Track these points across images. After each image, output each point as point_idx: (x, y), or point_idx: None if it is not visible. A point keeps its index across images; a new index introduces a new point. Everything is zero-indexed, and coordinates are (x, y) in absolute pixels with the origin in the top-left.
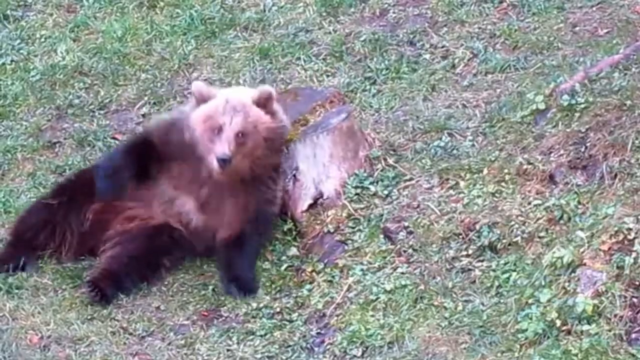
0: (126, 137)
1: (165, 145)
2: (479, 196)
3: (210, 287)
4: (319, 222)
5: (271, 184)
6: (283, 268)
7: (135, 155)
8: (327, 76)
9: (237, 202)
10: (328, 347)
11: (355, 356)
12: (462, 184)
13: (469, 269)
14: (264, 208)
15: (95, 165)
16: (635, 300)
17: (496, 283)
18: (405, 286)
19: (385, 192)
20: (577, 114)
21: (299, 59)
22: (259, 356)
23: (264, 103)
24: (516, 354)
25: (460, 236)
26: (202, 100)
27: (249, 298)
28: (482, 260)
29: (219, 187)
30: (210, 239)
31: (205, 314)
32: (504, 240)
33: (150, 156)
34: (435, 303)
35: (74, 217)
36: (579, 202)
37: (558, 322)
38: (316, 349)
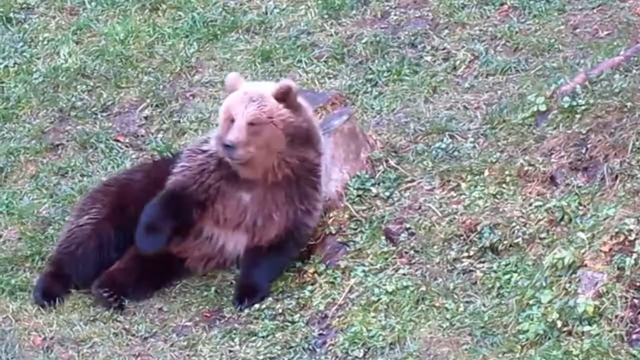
0: (129, 139)
1: (203, 192)
2: (480, 197)
3: (213, 289)
4: (320, 223)
5: (310, 190)
6: (285, 270)
7: (174, 207)
8: (329, 78)
9: (279, 217)
10: (330, 348)
11: (356, 357)
12: (463, 185)
13: (470, 270)
14: (302, 221)
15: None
16: (636, 301)
17: (497, 284)
18: (406, 287)
19: (387, 193)
20: (577, 116)
21: (300, 61)
22: (261, 357)
23: (282, 97)
24: (517, 355)
25: (462, 237)
26: (231, 91)
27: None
28: (483, 262)
29: (262, 206)
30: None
31: (208, 315)
32: (505, 242)
33: (188, 204)
34: (437, 304)
35: (116, 252)
36: (579, 204)
37: (559, 323)
38: (318, 350)
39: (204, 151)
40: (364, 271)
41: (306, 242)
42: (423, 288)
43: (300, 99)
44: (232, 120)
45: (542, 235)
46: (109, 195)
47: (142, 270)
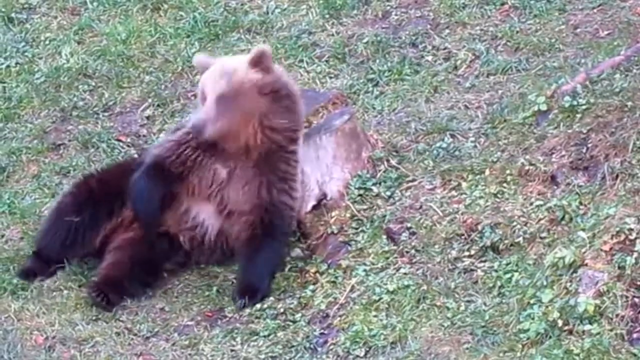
0: (130, 139)
1: (180, 165)
2: (481, 197)
3: (214, 288)
4: (322, 223)
5: (285, 167)
6: (287, 269)
7: (157, 175)
8: (330, 78)
9: (251, 190)
10: (331, 347)
11: (358, 356)
12: (464, 184)
13: (471, 270)
14: (279, 199)
15: (130, 202)
16: (636, 300)
17: (498, 283)
18: (407, 286)
19: (388, 193)
20: (578, 115)
21: (301, 61)
22: (262, 356)
23: (257, 61)
24: (518, 354)
25: (463, 237)
26: (203, 71)
27: (250, 304)
28: (484, 261)
29: (238, 179)
30: (223, 247)
31: (209, 314)
32: (506, 241)
33: (168, 177)
34: (438, 303)
35: (93, 231)
36: (580, 203)
37: (560, 322)
38: (319, 349)
39: (184, 127)
40: (365, 270)
41: (290, 224)
42: (424, 287)
43: (276, 67)
44: (204, 98)
45: (543, 235)
46: (84, 184)
47: (132, 257)
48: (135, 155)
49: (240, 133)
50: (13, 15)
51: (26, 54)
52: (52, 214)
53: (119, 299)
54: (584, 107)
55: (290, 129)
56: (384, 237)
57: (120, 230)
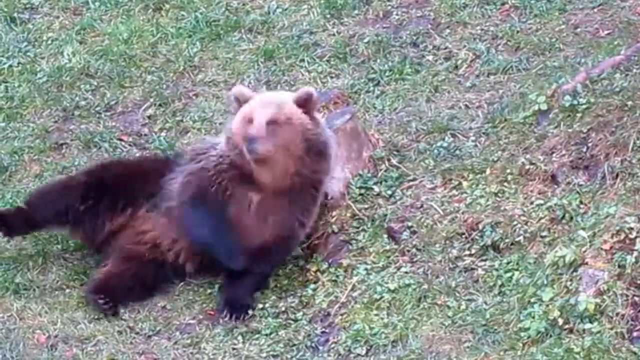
0: (132, 138)
1: (221, 194)
2: (481, 196)
3: (216, 287)
4: (323, 222)
5: (310, 203)
6: (288, 268)
7: (205, 204)
8: (331, 77)
9: (274, 222)
10: (332, 345)
11: (359, 355)
12: (464, 184)
13: (472, 268)
14: (296, 232)
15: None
16: (636, 298)
17: (499, 282)
18: (408, 285)
19: (389, 192)
20: (578, 115)
21: (303, 60)
22: (264, 355)
23: (303, 103)
24: (519, 353)
25: (463, 236)
26: (242, 102)
27: (239, 322)
28: (485, 260)
29: (262, 206)
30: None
31: (212, 313)
32: (507, 240)
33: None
34: (439, 302)
35: (91, 224)
36: (580, 202)
37: (560, 321)
38: (321, 347)
39: (216, 151)
40: (366, 269)
41: (294, 246)
42: (425, 286)
43: (317, 113)
44: (250, 121)
45: (544, 234)
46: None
47: (134, 274)
48: (154, 154)
49: (277, 165)
50: (15, 15)
51: (28, 53)
52: (59, 184)
53: (113, 307)
54: (584, 106)
55: (319, 177)
56: (385, 236)
57: (128, 237)
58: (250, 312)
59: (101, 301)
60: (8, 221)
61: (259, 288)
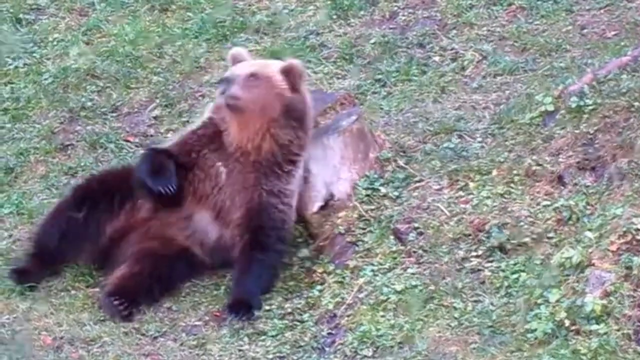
0: (138, 139)
1: (186, 154)
2: (488, 197)
3: (222, 288)
4: (329, 223)
5: (283, 176)
6: (294, 269)
7: (167, 155)
8: (338, 78)
9: (245, 196)
10: (339, 347)
11: (366, 356)
12: (471, 185)
13: (479, 270)
14: (269, 200)
15: (136, 173)
16: None
17: (505, 283)
18: (415, 287)
19: (396, 193)
20: (585, 116)
21: (309, 61)
22: (270, 356)
23: (287, 72)
24: (525, 354)
25: (470, 237)
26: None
27: (245, 322)
28: (491, 261)
29: (234, 183)
30: (225, 252)
31: (218, 314)
32: (513, 241)
33: (174, 161)
34: (445, 303)
35: (94, 230)
36: (587, 203)
37: (567, 322)
38: (327, 349)
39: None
40: (372, 270)
41: (283, 239)
42: (432, 287)
43: (305, 87)
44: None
45: (550, 235)
46: (83, 184)
47: (150, 273)
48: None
49: (252, 122)
50: (21, 16)
51: (34, 54)
52: (51, 212)
53: (132, 309)
54: (591, 107)
55: (292, 148)
56: (392, 237)
57: (134, 232)
58: (256, 312)
59: (116, 302)
60: (27, 272)
61: (267, 287)
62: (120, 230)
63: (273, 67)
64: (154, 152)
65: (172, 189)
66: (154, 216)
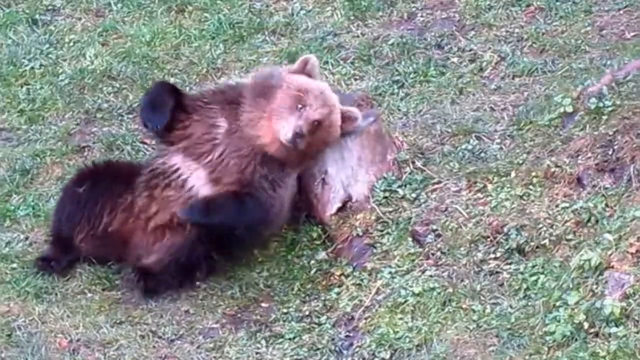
0: (154, 141)
1: (191, 99)
2: (506, 199)
3: (238, 289)
4: (347, 225)
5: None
6: (312, 272)
7: (171, 89)
8: (355, 80)
9: (239, 164)
10: (356, 350)
11: (383, 359)
12: (489, 187)
13: (497, 272)
14: (260, 182)
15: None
16: None
17: (524, 286)
18: (433, 289)
19: (414, 195)
20: (604, 117)
21: (327, 62)
22: (287, 359)
23: (345, 119)
24: (544, 357)
25: (488, 239)
26: (305, 74)
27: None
28: (510, 263)
29: (232, 145)
30: None
31: (233, 313)
32: (532, 243)
33: (179, 98)
34: (464, 306)
35: (92, 207)
36: (606, 205)
37: (586, 325)
38: (345, 351)
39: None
40: (390, 273)
41: (266, 209)
42: (450, 290)
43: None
44: (302, 106)
45: (569, 237)
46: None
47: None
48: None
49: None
50: (37, 16)
51: (50, 55)
52: (59, 197)
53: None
54: (610, 108)
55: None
56: (410, 239)
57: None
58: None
59: (136, 276)
60: (51, 259)
61: (219, 216)
62: (122, 229)
63: (336, 113)
64: (160, 85)
65: (158, 127)
66: (152, 199)
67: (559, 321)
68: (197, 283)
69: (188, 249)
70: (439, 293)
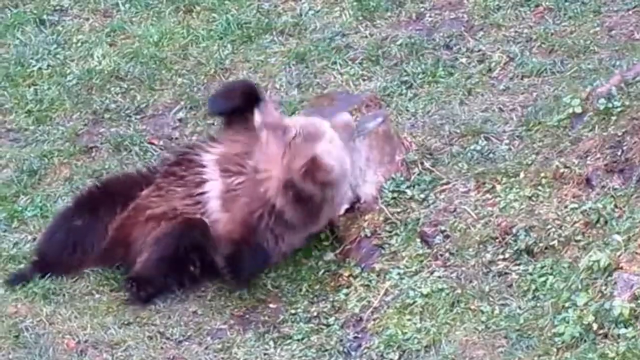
0: (163, 142)
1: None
2: (515, 200)
3: (246, 290)
4: (356, 226)
5: (276, 238)
6: (320, 273)
7: (251, 89)
8: (364, 80)
9: (239, 212)
10: (365, 351)
11: None
12: (498, 187)
13: (506, 273)
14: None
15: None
16: None
17: (533, 287)
18: (441, 290)
19: (422, 196)
20: (613, 118)
21: (335, 63)
22: None
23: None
24: (553, 358)
25: (497, 240)
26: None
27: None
28: (518, 264)
29: (247, 185)
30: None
31: (241, 314)
32: (541, 244)
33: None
34: (472, 307)
35: (96, 234)
36: (615, 206)
37: (595, 326)
38: (353, 353)
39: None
40: (399, 274)
41: (259, 262)
42: (458, 291)
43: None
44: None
45: (578, 238)
46: (85, 191)
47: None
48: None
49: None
50: (45, 17)
51: (58, 56)
52: (53, 220)
53: (152, 296)
54: (619, 109)
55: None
56: (418, 240)
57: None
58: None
59: (129, 286)
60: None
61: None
62: (123, 226)
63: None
64: (243, 82)
65: (214, 111)
66: (159, 193)
67: (567, 322)
68: (203, 283)
69: (172, 239)
70: (447, 294)
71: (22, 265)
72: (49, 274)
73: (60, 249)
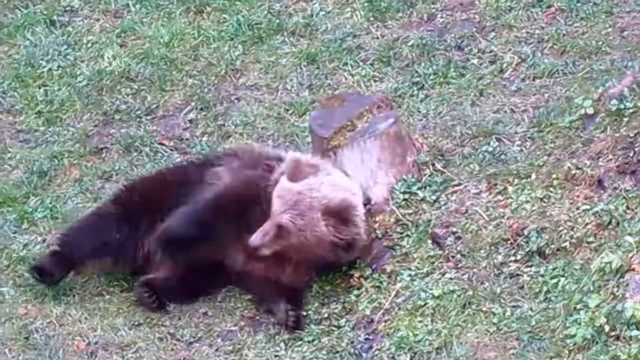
0: (173, 142)
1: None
2: (527, 201)
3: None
4: (366, 227)
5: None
6: (331, 274)
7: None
8: (375, 81)
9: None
10: (376, 353)
11: None
12: (510, 189)
13: (517, 275)
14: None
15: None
16: None
17: (544, 288)
18: (453, 292)
19: (433, 197)
20: (625, 119)
21: (346, 64)
22: None
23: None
24: None
25: (509, 241)
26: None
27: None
28: (530, 266)
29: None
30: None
31: (251, 316)
32: (553, 246)
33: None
34: (484, 308)
35: (132, 249)
36: (627, 207)
37: (607, 328)
38: (364, 354)
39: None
40: (410, 275)
41: None
42: (470, 292)
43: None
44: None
45: (590, 239)
46: (125, 195)
47: (183, 280)
48: (179, 163)
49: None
50: (55, 18)
51: (68, 57)
52: (90, 219)
53: (163, 303)
54: (631, 110)
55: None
56: (429, 241)
57: None
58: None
59: (146, 294)
60: (47, 271)
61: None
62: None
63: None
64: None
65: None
66: None
67: (579, 324)
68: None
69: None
70: (458, 296)
71: (39, 256)
72: (68, 271)
73: (91, 252)
